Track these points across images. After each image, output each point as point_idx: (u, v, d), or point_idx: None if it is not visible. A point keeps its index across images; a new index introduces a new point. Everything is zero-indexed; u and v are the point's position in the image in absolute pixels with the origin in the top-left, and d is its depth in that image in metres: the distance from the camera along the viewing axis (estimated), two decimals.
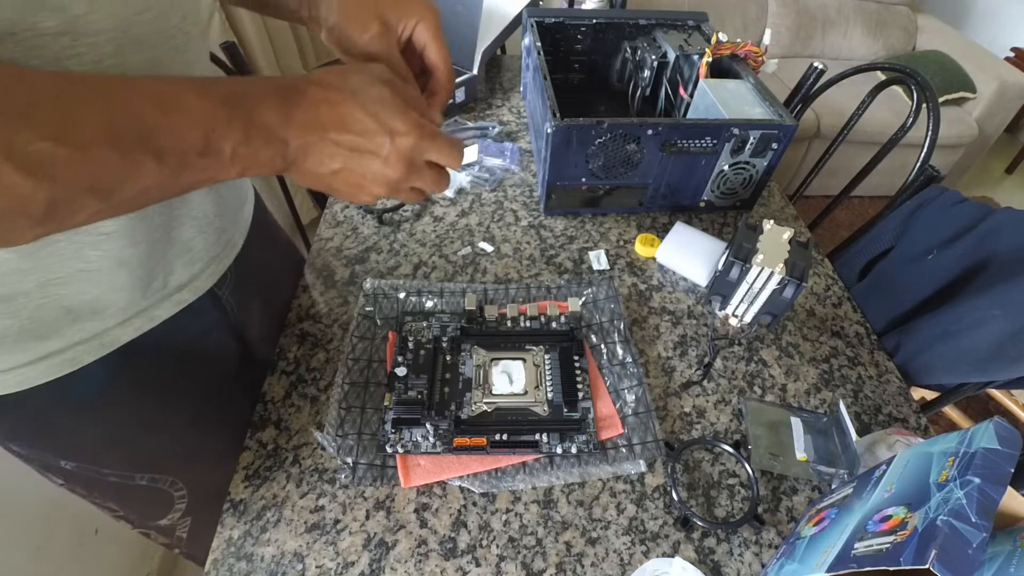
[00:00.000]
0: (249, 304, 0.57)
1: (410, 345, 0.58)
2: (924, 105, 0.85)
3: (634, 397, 0.56)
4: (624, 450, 0.53)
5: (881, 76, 0.96)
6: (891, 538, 0.31)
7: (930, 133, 0.82)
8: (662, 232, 0.75)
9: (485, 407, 0.54)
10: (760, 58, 0.81)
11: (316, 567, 0.45)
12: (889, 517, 0.33)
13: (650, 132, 0.68)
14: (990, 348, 0.66)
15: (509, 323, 0.61)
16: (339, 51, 0.43)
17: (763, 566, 0.47)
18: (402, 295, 0.64)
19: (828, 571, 0.33)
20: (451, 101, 0.92)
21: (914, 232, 0.79)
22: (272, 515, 0.48)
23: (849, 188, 1.01)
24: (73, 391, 0.43)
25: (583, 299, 0.64)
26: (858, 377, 0.62)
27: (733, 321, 0.64)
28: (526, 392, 0.55)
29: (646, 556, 0.47)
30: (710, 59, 0.78)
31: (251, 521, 0.48)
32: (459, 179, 0.82)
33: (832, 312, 0.69)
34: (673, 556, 0.47)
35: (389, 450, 0.50)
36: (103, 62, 0.33)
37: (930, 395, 0.97)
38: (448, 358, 0.57)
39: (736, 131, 0.68)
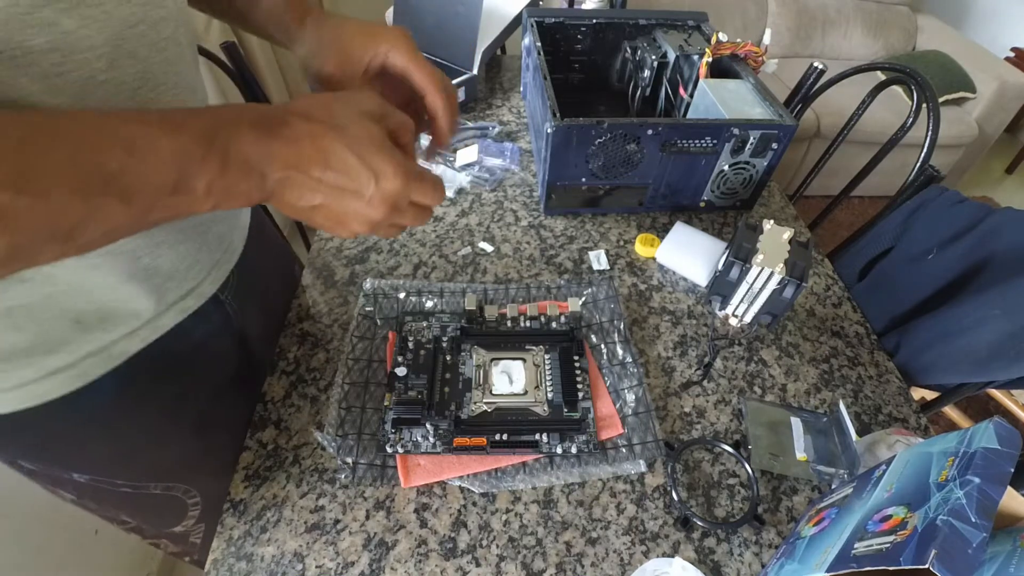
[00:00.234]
0: (250, 306, 0.57)
1: (410, 345, 0.58)
2: (924, 105, 0.85)
3: (634, 397, 0.56)
4: (624, 450, 0.53)
5: (881, 76, 0.96)
6: (891, 538, 0.31)
7: (930, 133, 0.82)
8: (662, 232, 0.75)
9: (485, 407, 0.54)
10: (760, 58, 0.81)
11: (316, 567, 0.45)
12: (889, 517, 0.33)
13: (650, 132, 0.68)
14: (990, 348, 0.66)
15: (509, 323, 0.61)
16: (318, 89, 0.44)
17: (763, 566, 0.47)
18: (402, 295, 0.64)
19: (828, 571, 0.33)
20: None
21: (914, 232, 0.79)
22: (272, 515, 0.48)
23: (849, 188, 1.01)
24: (82, 404, 0.43)
25: (583, 299, 0.64)
26: (858, 377, 0.62)
27: (733, 321, 0.64)
28: (526, 392, 0.55)
29: (646, 556, 0.47)
30: (710, 59, 0.78)
31: (251, 521, 0.48)
32: (459, 179, 0.82)
33: (832, 312, 0.69)
34: (673, 556, 0.47)
35: (389, 450, 0.50)
36: (95, 78, 0.32)
37: (930, 395, 0.97)
38: (448, 358, 0.57)
39: (736, 131, 0.68)
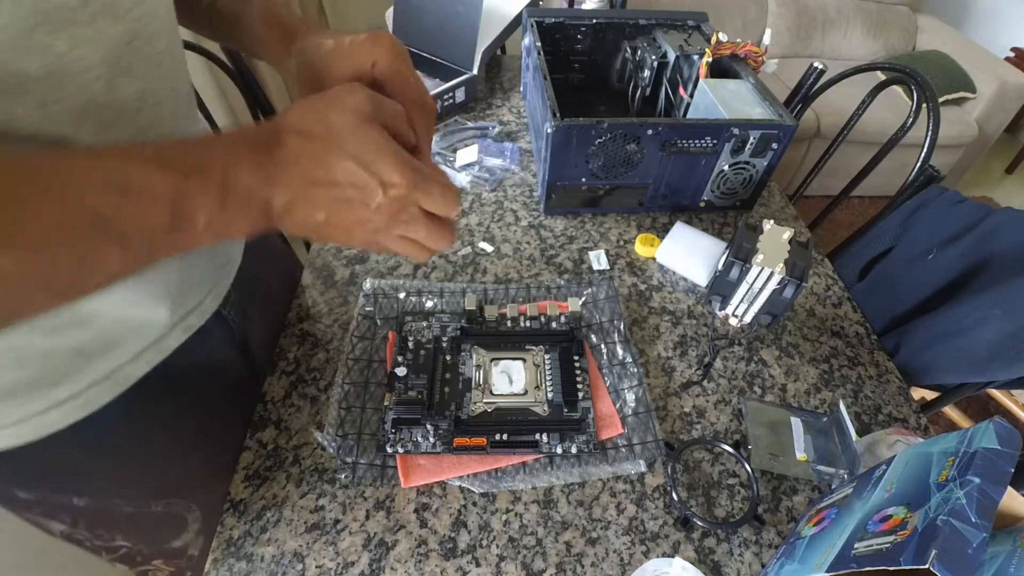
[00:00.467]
0: (251, 313, 0.56)
1: (410, 345, 0.58)
2: (924, 105, 0.85)
3: (634, 397, 0.56)
4: (624, 450, 0.53)
5: (881, 76, 0.96)
6: (891, 538, 0.31)
7: (930, 133, 0.82)
8: (662, 232, 0.75)
9: (485, 407, 0.54)
10: (760, 58, 0.81)
11: (316, 567, 0.45)
12: (889, 517, 0.33)
13: (650, 132, 0.68)
14: (990, 348, 0.66)
15: (509, 323, 0.61)
16: None
17: (763, 566, 0.47)
18: (402, 295, 0.64)
19: (828, 571, 0.33)
20: (451, 101, 0.92)
21: (914, 232, 0.79)
22: (272, 515, 0.48)
23: (849, 188, 1.01)
24: (86, 431, 0.42)
25: (583, 299, 0.64)
26: (858, 377, 0.62)
27: (733, 321, 0.64)
28: (526, 392, 0.55)
29: (646, 556, 0.47)
30: (710, 59, 0.78)
31: (251, 521, 0.48)
32: (459, 179, 0.82)
33: (832, 312, 0.69)
34: (673, 556, 0.47)
35: (389, 450, 0.50)
36: (94, 100, 0.31)
37: (930, 395, 0.97)
38: (448, 358, 0.57)
39: (736, 131, 0.68)
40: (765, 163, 0.73)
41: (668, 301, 0.68)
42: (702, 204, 0.79)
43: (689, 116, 0.82)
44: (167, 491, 0.52)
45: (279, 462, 0.51)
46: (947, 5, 2.64)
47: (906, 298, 0.77)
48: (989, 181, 2.61)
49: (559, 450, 0.51)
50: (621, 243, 0.75)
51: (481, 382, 0.55)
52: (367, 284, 0.65)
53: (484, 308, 0.62)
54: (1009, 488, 0.31)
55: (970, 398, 1.11)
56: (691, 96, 0.81)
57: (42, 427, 0.39)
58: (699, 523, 0.48)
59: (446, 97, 0.90)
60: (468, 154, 0.83)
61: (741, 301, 0.61)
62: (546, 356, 0.58)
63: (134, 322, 0.41)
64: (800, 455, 0.53)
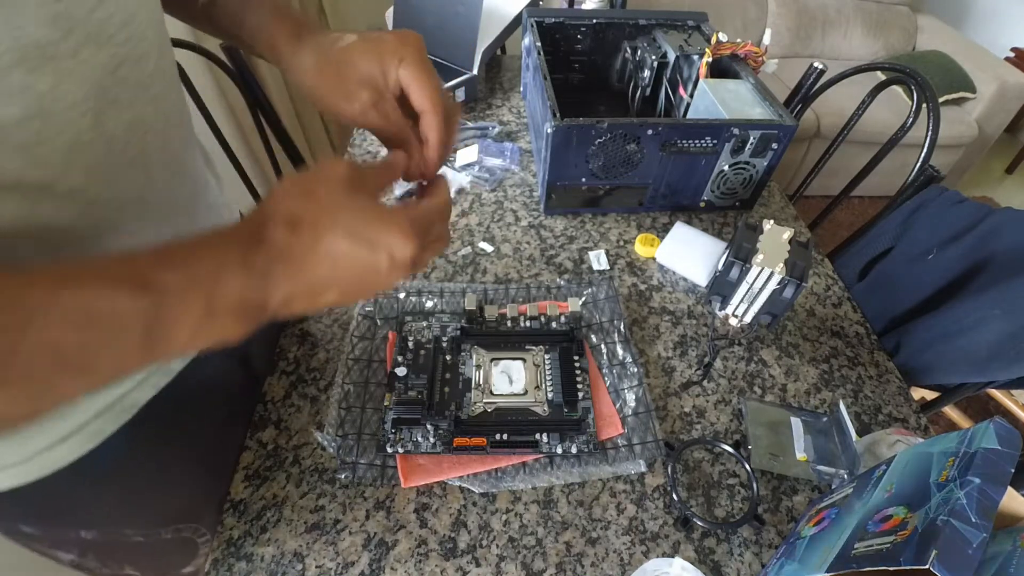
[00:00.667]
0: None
1: (410, 345, 0.58)
2: (924, 105, 0.85)
3: (634, 397, 0.56)
4: (624, 450, 0.53)
5: (881, 76, 0.96)
6: (891, 538, 0.31)
7: (930, 133, 0.82)
8: (662, 232, 0.75)
9: (485, 407, 0.54)
10: (760, 58, 0.81)
11: (316, 567, 0.45)
12: (889, 517, 0.33)
13: (650, 132, 0.68)
14: (990, 348, 0.66)
15: (509, 323, 0.61)
16: (327, 113, 0.39)
17: (763, 566, 0.47)
18: (402, 295, 0.64)
19: (828, 571, 0.33)
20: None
21: (914, 232, 0.79)
22: (272, 515, 0.48)
23: (849, 188, 1.01)
24: (92, 465, 0.40)
25: (583, 299, 0.64)
26: (858, 377, 0.62)
27: (733, 321, 0.64)
28: (526, 392, 0.55)
29: (646, 556, 0.47)
30: (710, 59, 0.78)
31: (251, 521, 0.48)
32: (459, 179, 0.82)
33: (832, 312, 0.69)
34: (673, 556, 0.47)
35: (389, 450, 0.50)
36: (81, 139, 0.29)
37: (930, 395, 0.97)
38: (448, 358, 0.57)
39: (736, 131, 0.68)
40: (765, 163, 0.73)
41: (668, 301, 0.68)
42: (702, 204, 0.79)
43: (689, 116, 0.82)
44: (176, 516, 0.50)
45: (279, 462, 0.51)
46: (947, 5, 2.63)
47: (906, 298, 0.77)
48: (989, 181, 2.61)
49: (559, 450, 0.51)
50: (621, 243, 0.75)
51: (481, 382, 0.55)
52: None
53: (484, 308, 0.62)
54: (1009, 488, 0.31)
55: (970, 398, 1.11)
56: (691, 96, 0.81)
57: (47, 464, 0.38)
58: (699, 523, 0.48)
59: None
60: (468, 154, 0.83)
61: (741, 301, 0.61)
62: (546, 356, 0.58)
63: None
64: (800, 455, 0.53)
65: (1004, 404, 1.30)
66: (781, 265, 0.55)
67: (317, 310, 0.32)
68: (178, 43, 0.84)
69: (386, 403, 0.53)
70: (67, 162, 0.30)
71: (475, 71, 0.92)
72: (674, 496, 0.49)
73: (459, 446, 0.50)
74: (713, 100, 0.74)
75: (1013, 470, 0.30)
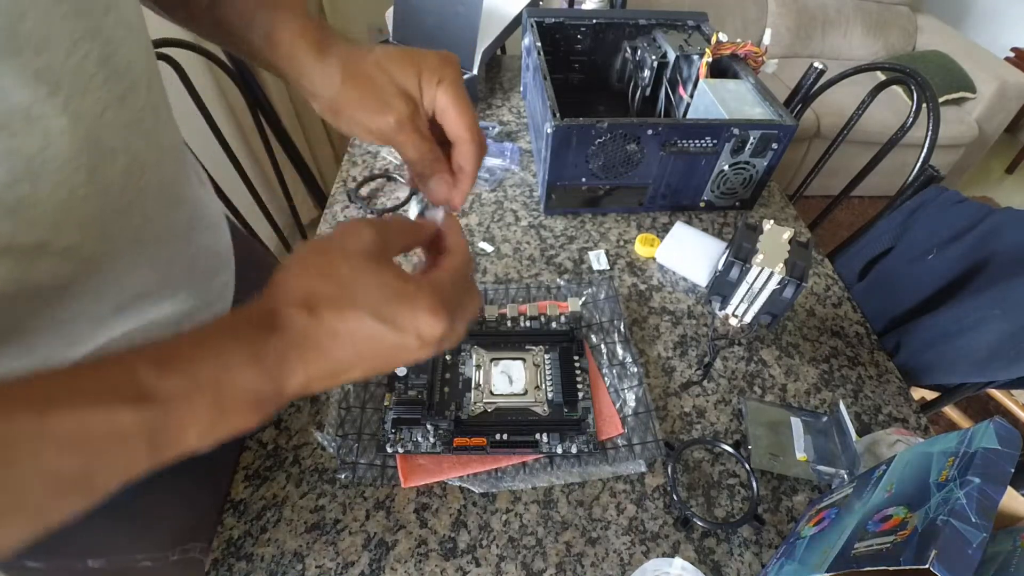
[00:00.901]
0: None
1: None
2: (924, 105, 0.85)
3: (634, 397, 0.56)
4: (624, 450, 0.53)
5: (881, 76, 0.96)
6: (891, 538, 0.31)
7: (930, 133, 0.82)
8: (662, 232, 0.75)
9: (485, 407, 0.54)
10: (760, 58, 0.81)
11: (316, 567, 0.45)
12: (889, 517, 0.33)
13: (650, 132, 0.68)
14: (990, 348, 0.66)
15: (509, 323, 0.61)
16: (342, 128, 0.35)
17: (763, 566, 0.47)
18: None
19: (828, 571, 0.33)
20: None
21: (914, 232, 0.79)
22: (272, 515, 0.48)
23: (849, 188, 1.01)
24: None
25: (583, 299, 0.64)
26: (858, 377, 0.62)
27: (733, 321, 0.64)
28: (526, 392, 0.55)
29: (646, 556, 0.47)
30: (710, 59, 0.78)
31: (251, 521, 0.48)
32: None
33: (832, 312, 0.69)
34: (673, 556, 0.47)
35: (389, 450, 0.50)
36: (75, 193, 0.28)
37: (930, 395, 0.97)
38: (448, 358, 0.57)
39: (736, 131, 0.68)
40: (765, 163, 0.73)
41: (668, 301, 0.68)
42: (702, 204, 0.79)
43: (689, 116, 0.82)
44: (184, 535, 0.49)
45: (279, 462, 0.51)
46: (947, 5, 2.64)
47: (906, 298, 0.77)
48: (989, 181, 2.61)
49: (559, 450, 0.51)
50: (621, 243, 0.75)
51: (481, 382, 0.55)
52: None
53: (484, 308, 0.62)
54: (1009, 488, 0.31)
55: (970, 398, 1.11)
56: (691, 96, 0.81)
57: None
58: (699, 523, 0.48)
59: None
60: None
61: (741, 301, 0.61)
62: (546, 356, 0.58)
63: None
64: (800, 455, 0.53)
65: (1004, 404, 1.30)
66: (781, 265, 0.55)
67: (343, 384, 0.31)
68: (178, 43, 0.84)
69: (386, 403, 0.53)
70: (61, 221, 0.28)
71: (475, 71, 0.92)
72: (674, 496, 0.49)
73: (459, 446, 0.50)
74: (713, 100, 0.74)
75: (1013, 470, 0.30)
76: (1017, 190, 2.57)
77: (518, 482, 0.50)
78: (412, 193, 0.37)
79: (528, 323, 0.61)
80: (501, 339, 0.59)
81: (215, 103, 1.34)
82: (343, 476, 0.50)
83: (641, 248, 0.73)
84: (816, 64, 0.96)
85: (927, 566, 0.27)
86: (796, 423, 0.55)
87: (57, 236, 0.28)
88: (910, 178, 0.85)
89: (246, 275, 0.54)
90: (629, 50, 0.90)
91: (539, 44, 0.80)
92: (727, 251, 0.61)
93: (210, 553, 0.46)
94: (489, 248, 0.72)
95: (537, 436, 0.52)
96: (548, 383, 0.56)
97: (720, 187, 0.76)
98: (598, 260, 0.72)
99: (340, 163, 0.86)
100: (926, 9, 2.55)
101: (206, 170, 0.55)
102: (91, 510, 0.39)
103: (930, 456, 0.35)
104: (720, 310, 0.64)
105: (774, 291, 0.57)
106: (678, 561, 0.46)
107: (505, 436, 0.51)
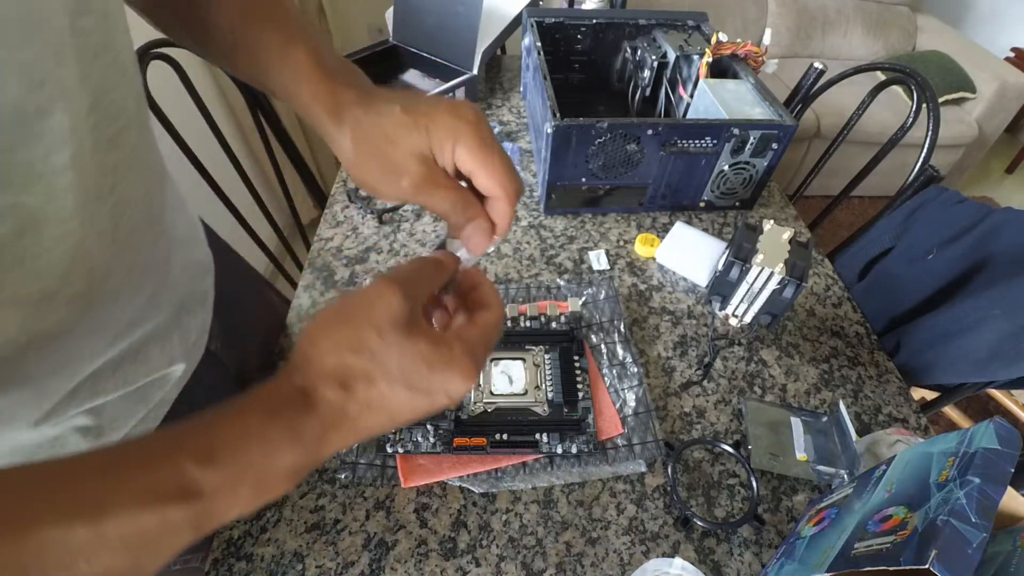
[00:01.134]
0: (236, 343, 0.56)
1: None
2: (924, 105, 0.85)
3: (634, 397, 0.56)
4: (624, 450, 0.53)
5: (881, 76, 0.96)
6: (891, 538, 0.31)
7: (930, 133, 0.82)
8: (662, 232, 0.75)
9: (485, 407, 0.54)
10: (760, 58, 0.81)
11: (316, 567, 0.45)
12: (889, 517, 0.33)
13: (650, 132, 0.68)
14: (990, 348, 0.66)
15: (509, 323, 0.61)
16: (366, 189, 0.34)
17: (763, 566, 0.47)
18: None
19: (828, 571, 0.33)
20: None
21: (914, 232, 0.79)
22: (272, 515, 0.48)
23: (849, 188, 1.01)
24: None
25: (583, 299, 0.64)
26: (858, 377, 0.62)
27: (733, 321, 0.64)
28: (526, 392, 0.55)
29: (646, 556, 0.47)
30: (710, 59, 0.78)
31: (251, 521, 0.48)
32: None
33: (832, 312, 0.69)
34: (673, 556, 0.47)
35: (389, 450, 0.50)
36: (83, 243, 0.28)
37: (930, 395, 0.97)
38: None
39: (736, 131, 0.68)
40: (765, 163, 0.73)
41: (668, 301, 0.68)
42: (702, 204, 0.79)
43: (689, 116, 0.82)
44: (184, 548, 0.50)
45: None
46: (947, 5, 2.64)
47: (906, 298, 0.77)
48: (989, 181, 2.61)
49: (559, 450, 0.51)
50: (621, 243, 0.75)
51: (481, 382, 0.55)
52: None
53: None
54: (1009, 488, 0.31)
55: (970, 398, 1.11)
56: (691, 96, 0.81)
57: None
58: (699, 523, 0.48)
59: (446, 98, 0.90)
60: None
61: (741, 301, 0.61)
62: (546, 356, 0.58)
63: (139, 397, 0.40)
64: (800, 455, 0.53)
65: (1004, 404, 1.30)
66: (781, 265, 0.55)
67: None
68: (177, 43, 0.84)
69: None
70: (69, 269, 0.28)
71: (475, 71, 0.92)
72: (674, 496, 0.49)
73: (459, 446, 0.50)
74: (713, 100, 0.74)
75: (1013, 470, 0.30)
76: (1017, 190, 2.57)
77: (518, 482, 0.50)
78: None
79: (528, 323, 0.61)
80: (501, 339, 0.59)
81: (215, 103, 1.34)
82: (343, 476, 0.50)
83: (641, 248, 0.73)
84: (816, 64, 0.96)
85: (927, 566, 0.27)
86: (796, 423, 0.55)
87: (64, 285, 0.29)
88: (910, 178, 0.85)
89: (228, 289, 0.54)
90: (629, 50, 0.90)
91: (539, 44, 0.80)
92: (727, 251, 0.61)
93: (210, 553, 0.46)
94: (489, 248, 0.72)
95: (537, 436, 0.52)
96: (548, 383, 0.55)
97: (720, 187, 0.76)
98: (598, 260, 0.72)
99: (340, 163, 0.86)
100: (926, 9, 2.55)
101: (202, 174, 0.55)
102: None
103: (930, 456, 0.35)
104: (720, 310, 0.64)
105: (774, 291, 0.57)
106: (678, 561, 0.46)
107: (505, 436, 0.51)
